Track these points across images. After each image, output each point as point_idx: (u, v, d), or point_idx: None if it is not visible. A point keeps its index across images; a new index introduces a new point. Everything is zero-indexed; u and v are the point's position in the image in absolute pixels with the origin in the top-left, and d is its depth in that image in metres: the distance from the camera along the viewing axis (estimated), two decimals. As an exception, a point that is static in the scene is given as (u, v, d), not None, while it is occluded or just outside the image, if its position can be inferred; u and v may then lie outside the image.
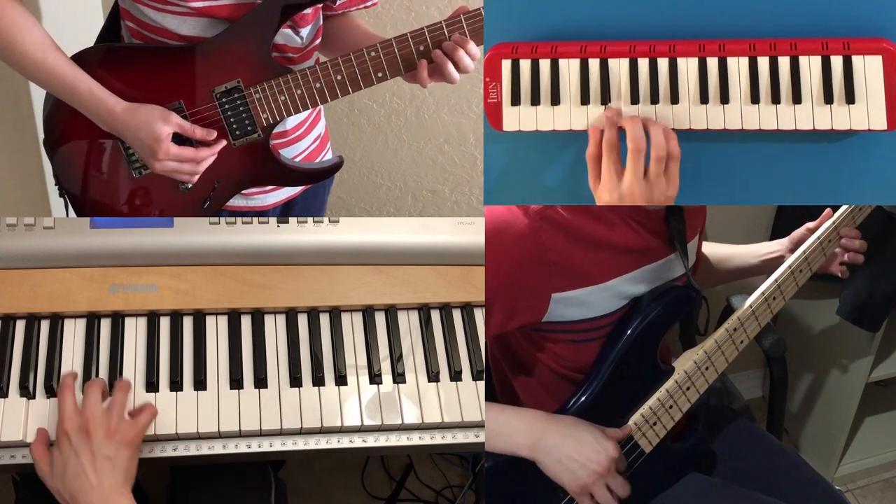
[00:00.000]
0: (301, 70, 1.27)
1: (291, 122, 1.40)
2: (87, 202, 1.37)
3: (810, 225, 1.35)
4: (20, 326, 1.19)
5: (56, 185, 1.38)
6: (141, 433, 1.09)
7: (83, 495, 1.02)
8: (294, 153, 1.42)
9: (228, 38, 1.25)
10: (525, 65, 1.10)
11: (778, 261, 1.36)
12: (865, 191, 1.12)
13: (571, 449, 1.09)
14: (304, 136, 1.44)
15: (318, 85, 1.26)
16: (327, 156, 1.52)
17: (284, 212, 1.50)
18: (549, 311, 1.12)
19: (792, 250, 1.35)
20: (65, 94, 1.26)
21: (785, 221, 1.98)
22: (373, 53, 1.25)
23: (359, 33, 1.43)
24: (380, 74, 1.26)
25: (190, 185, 1.32)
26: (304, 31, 1.34)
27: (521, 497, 1.16)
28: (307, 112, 1.43)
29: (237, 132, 1.29)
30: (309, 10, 1.30)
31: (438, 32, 1.23)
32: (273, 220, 1.28)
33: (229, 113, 1.28)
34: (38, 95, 1.58)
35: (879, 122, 1.05)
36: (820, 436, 2.18)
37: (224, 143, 1.29)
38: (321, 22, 1.38)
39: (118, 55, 1.30)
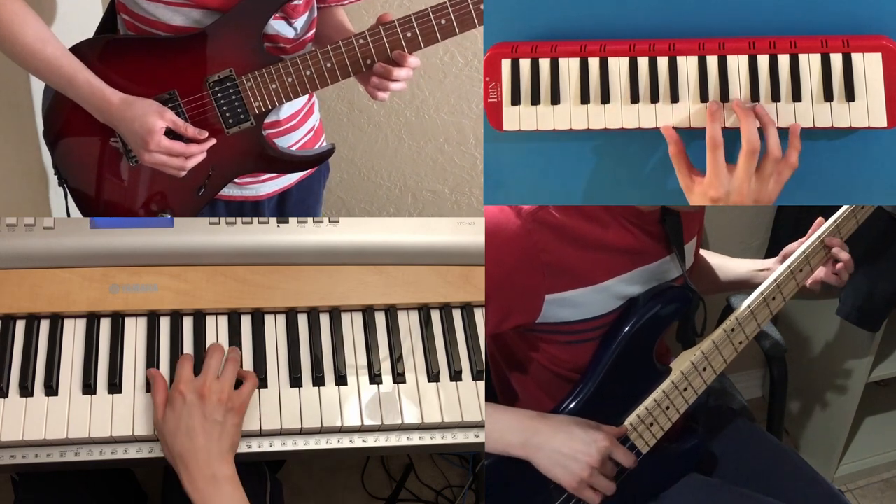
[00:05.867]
0: (292, 58, 1.29)
1: (285, 112, 1.41)
2: (86, 191, 1.40)
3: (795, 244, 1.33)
4: (20, 326, 1.19)
5: (56, 174, 1.41)
6: (247, 402, 1.15)
7: (190, 454, 1.06)
8: (288, 143, 1.44)
9: (221, 29, 1.27)
10: (525, 64, 1.10)
11: (766, 273, 1.34)
12: (865, 189, 1.12)
13: (561, 443, 1.09)
14: (298, 127, 1.46)
15: (308, 73, 1.28)
16: (323, 145, 1.54)
17: (279, 202, 1.51)
18: (544, 312, 1.12)
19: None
20: (63, 86, 1.27)
21: (785, 220, 1.98)
22: (361, 41, 1.27)
23: (340, 30, 1.45)
24: (368, 62, 1.28)
25: (183, 174, 1.34)
26: (298, 23, 1.35)
27: (520, 493, 1.16)
28: (301, 103, 1.45)
29: (230, 120, 1.32)
30: (300, 1, 1.32)
31: (425, 19, 1.25)
32: (273, 220, 1.28)
33: (222, 101, 1.30)
34: (37, 94, 1.58)
35: (879, 119, 1.05)
36: (820, 436, 2.17)
37: (214, 141, 1.32)
38: (315, 14, 1.40)
39: (113, 47, 1.31)
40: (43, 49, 1.24)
